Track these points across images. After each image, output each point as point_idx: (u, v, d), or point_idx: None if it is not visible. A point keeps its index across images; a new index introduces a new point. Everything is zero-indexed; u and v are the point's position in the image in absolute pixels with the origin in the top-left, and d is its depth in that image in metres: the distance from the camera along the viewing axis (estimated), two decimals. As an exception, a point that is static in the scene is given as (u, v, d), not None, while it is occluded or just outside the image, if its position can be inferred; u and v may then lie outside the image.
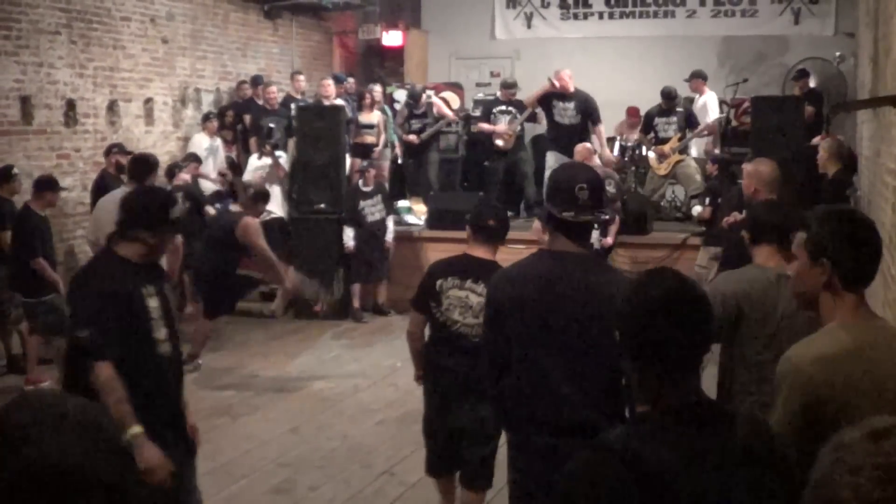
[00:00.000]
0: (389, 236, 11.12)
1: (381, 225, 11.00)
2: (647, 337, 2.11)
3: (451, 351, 4.89)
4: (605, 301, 3.19)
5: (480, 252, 4.90)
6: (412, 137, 12.65)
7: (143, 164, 8.22)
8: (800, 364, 2.58)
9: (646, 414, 2.12)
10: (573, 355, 3.38)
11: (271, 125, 11.79)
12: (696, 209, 11.38)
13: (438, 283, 4.89)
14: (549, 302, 3.39)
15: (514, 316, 3.47)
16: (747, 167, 5.74)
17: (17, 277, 8.45)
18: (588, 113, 11.52)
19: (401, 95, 13.49)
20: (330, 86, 12.52)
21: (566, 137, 11.17)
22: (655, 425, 2.07)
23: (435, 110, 12.82)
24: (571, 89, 11.51)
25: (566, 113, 11.53)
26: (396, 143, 12.91)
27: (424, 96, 12.86)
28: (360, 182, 11.05)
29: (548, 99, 11.61)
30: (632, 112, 13.27)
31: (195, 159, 10.94)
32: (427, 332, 5.16)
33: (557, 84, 11.45)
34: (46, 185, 8.55)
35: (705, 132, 12.21)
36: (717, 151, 12.23)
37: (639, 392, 2.15)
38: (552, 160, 11.17)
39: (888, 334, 2.70)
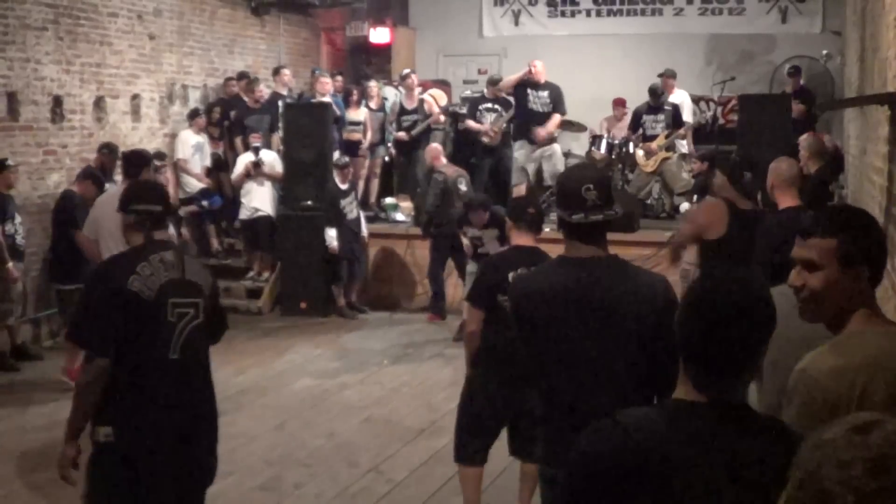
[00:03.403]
0: (365, 232, 11.25)
1: (357, 222, 11.04)
2: (688, 331, 2.09)
3: None
4: (646, 302, 3.21)
5: (528, 241, 5.21)
6: (402, 135, 12.63)
7: (139, 159, 7.74)
8: (816, 376, 2.39)
9: (669, 402, 2.12)
10: (607, 366, 3.27)
11: (257, 145, 11.69)
12: (684, 206, 11.40)
13: (511, 275, 4.79)
14: (579, 316, 3.25)
15: (543, 331, 3.34)
16: (770, 165, 5.74)
17: (56, 264, 9.18)
18: (557, 102, 11.89)
19: (388, 93, 13.45)
20: (327, 83, 12.50)
21: (537, 124, 11.74)
22: (676, 413, 2.06)
23: (426, 107, 12.81)
24: (543, 80, 11.84)
25: (539, 101, 11.84)
26: (390, 143, 12.91)
27: (417, 92, 12.86)
28: (338, 179, 11.02)
29: (523, 86, 11.87)
30: (618, 103, 13.26)
31: (161, 157, 10.78)
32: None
33: (533, 71, 11.74)
34: (90, 176, 9.02)
35: (683, 132, 12.19)
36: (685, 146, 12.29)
37: (678, 385, 2.14)
38: (520, 152, 11.82)
39: None
